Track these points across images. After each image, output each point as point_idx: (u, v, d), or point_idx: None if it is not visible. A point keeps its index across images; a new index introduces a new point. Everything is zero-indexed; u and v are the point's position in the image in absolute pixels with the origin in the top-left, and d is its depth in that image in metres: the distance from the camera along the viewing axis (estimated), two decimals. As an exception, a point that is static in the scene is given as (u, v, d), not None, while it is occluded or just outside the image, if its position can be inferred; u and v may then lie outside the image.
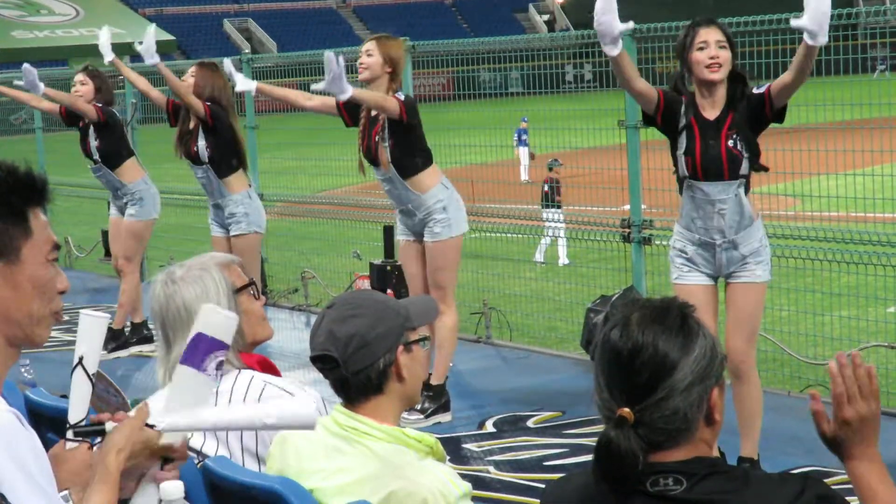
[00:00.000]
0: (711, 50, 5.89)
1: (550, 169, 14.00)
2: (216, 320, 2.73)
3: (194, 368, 2.70)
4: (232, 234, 8.97)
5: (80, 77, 9.79)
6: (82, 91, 9.72)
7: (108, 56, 9.50)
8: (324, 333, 3.14)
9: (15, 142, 18.37)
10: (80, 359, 2.90)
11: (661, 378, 2.41)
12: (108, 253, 10.94)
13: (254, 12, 72.04)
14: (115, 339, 9.79)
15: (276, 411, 2.69)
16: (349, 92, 7.11)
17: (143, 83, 9.74)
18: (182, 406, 2.70)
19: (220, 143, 8.78)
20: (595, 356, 2.52)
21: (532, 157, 19.30)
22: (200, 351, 2.70)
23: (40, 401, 3.90)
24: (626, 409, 2.41)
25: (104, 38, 9.53)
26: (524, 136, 19.94)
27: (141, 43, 8.93)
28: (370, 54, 7.51)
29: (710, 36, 5.91)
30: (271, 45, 66.75)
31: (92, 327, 2.91)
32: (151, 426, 2.63)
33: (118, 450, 2.57)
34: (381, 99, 7.36)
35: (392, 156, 7.47)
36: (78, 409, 2.94)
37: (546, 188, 13.56)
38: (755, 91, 5.95)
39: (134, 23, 65.91)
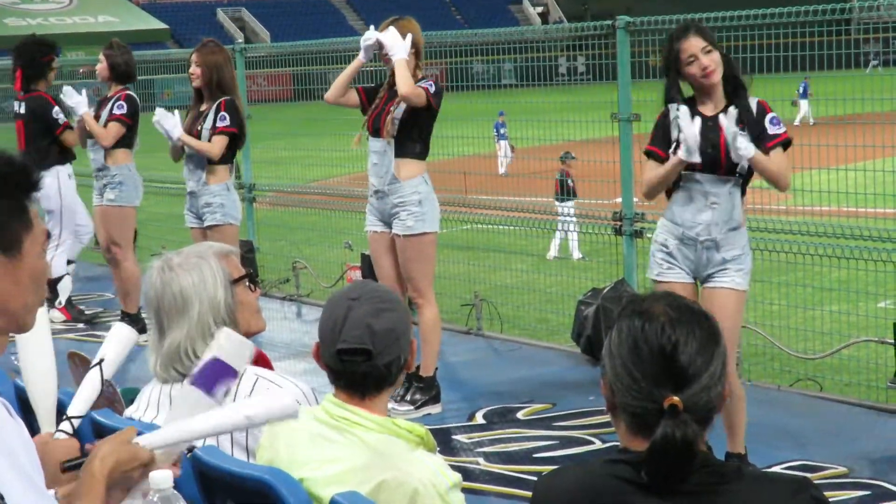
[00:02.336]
0: (702, 61, 5.92)
1: (563, 161, 13.92)
2: (233, 346, 2.74)
3: (203, 392, 2.70)
4: (206, 224, 8.80)
5: (100, 55, 9.73)
6: (98, 69, 9.69)
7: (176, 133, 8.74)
8: (360, 327, 3.13)
9: (6, 129, 18.31)
10: (101, 360, 2.93)
11: (706, 366, 2.45)
12: (97, 242, 10.93)
13: (247, 2, 71.98)
14: (135, 323, 9.76)
15: (257, 407, 2.69)
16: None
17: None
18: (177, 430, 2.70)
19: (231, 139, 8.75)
20: (621, 354, 2.50)
21: (512, 149, 19.30)
22: (214, 376, 2.71)
23: (30, 389, 3.89)
24: (676, 398, 2.42)
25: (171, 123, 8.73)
26: (503, 130, 19.95)
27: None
28: None
29: (694, 48, 5.93)
30: (265, 35, 66.71)
31: (123, 338, 2.96)
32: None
33: (102, 457, 2.57)
34: (414, 93, 7.38)
35: (398, 128, 7.45)
36: (80, 404, 2.97)
37: (560, 180, 13.52)
38: (770, 126, 5.98)
39: (127, 12, 65.88)
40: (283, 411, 2.69)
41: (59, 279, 10.62)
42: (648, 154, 6.18)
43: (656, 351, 2.46)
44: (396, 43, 7.35)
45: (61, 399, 3.22)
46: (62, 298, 10.71)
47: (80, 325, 10.58)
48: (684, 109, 5.86)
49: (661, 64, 6.16)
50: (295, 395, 2.71)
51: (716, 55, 5.94)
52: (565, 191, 13.01)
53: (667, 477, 2.42)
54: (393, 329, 3.15)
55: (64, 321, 10.65)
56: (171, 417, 2.75)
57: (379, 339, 3.12)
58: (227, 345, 2.74)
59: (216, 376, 2.71)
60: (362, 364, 3.13)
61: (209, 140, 8.65)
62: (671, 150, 6.00)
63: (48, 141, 10.33)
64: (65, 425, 2.99)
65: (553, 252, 13.75)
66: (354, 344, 3.12)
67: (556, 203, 12.47)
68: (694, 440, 2.40)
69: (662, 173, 6.03)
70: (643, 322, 2.50)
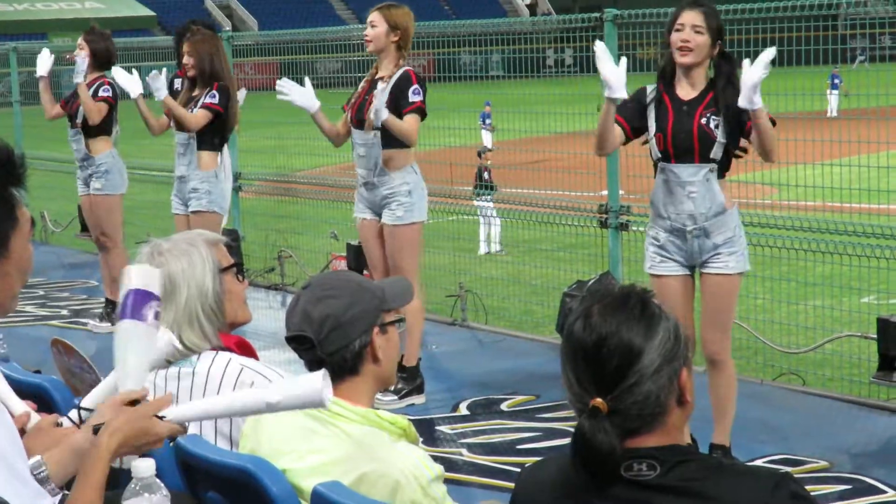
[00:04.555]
0: (685, 33, 5.89)
1: (480, 156, 13.78)
2: (141, 274, 2.81)
3: (136, 320, 2.77)
4: (191, 209, 8.80)
5: (79, 41, 9.70)
6: (77, 55, 9.66)
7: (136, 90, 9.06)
8: (299, 314, 3.14)
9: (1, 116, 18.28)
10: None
11: (630, 364, 2.42)
12: (84, 228, 10.89)
13: (235, -11, 71.72)
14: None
15: (280, 392, 2.71)
16: (385, 117, 7.31)
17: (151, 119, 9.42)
18: (133, 360, 2.78)
19: (216, 119, 8.73)
20: (560, 351, 2.53)
21: (493, 129, 19.24)
22: (137, 304, 2.78)
23: (13, 375, 3.89)
24: (599, 400, 2.42)
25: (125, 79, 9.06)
26: (488, 121, 19.91)
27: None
28: (374, 25, 7.49)
29: (688, 19, 5.90)
30: (252, 23, 66.49)
31: (163, 348, 2.99)
32: (161, 417, 2.66)
33: (112, 432, 2.57)
34: (406, 129, 7.39)
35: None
36: (96, 398, 3.01)
37: (484, 176, 13.33)
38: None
39: (114, -2, 65.57)
40: (309, 399, 2.71)
41: None
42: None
43: (579, 349, 2.46)
44: (381, 108, 7.31)
45: (40, 384, 3.22)
46: None
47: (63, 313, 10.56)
48: (601, 46, 5.83)
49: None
50: (322, 381, 2.71)
51: (702, 39, 5.91)
52: (484, 184, 12.78)
53: (587, 471, 2.43)
54: (333, 315, 3.11)
55: None
56: (117, 355, 2.78)
57: (317, 325, 3.10)
58: (134, 278, 2.81)
59: (140, 303, 2.78)
60: (307, 352, 3.13)
61: None
62: (652, 134, 6.01)
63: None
64: (73, 414, 3.00)
65: (484, 248, 13.60)
66: (294, 331, 3.14)
67: (474, 197, 12.28)
68: (601, 448, 2.39)
69: (599, 121, 5.99)
70: (576, 320, 2.50)
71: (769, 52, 5.64)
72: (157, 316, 2.80)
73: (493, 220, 12.52)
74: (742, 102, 5.65)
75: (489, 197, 11.88)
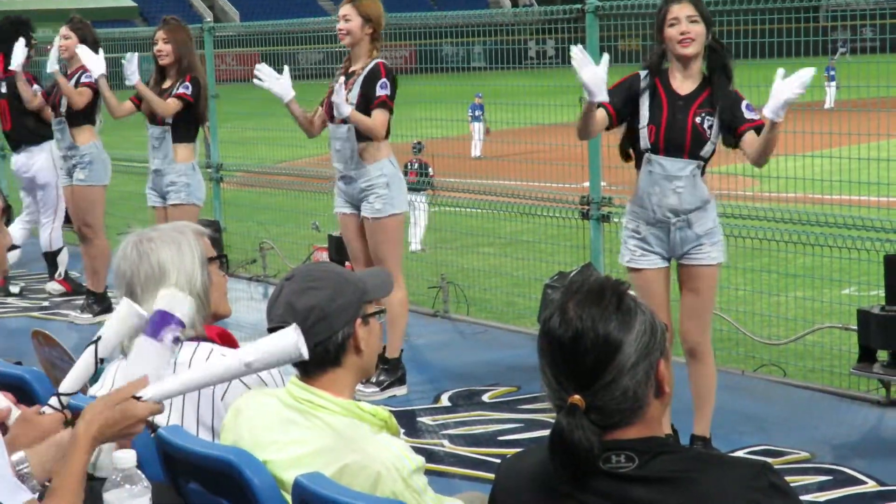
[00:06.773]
0: (682, 25, 5.91)
1: (418, 151, 13.67)
2: (174, 298, 2.89)
3: (152, 338, 2.83)
4: (170, 202, 8.81)
5: (63, 31, 9.65)
6: (66, 45, 9.60)
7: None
8: (283, 305, 3.14)
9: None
10: (97, 338, 3.07)
11: (607, 360, 2.42)
12: (68, 219, 10.87)
13: (217, -20, 71.52)
14: (100, 303, 9.76)
15: (256, 351, 2.74)
16: (347, 112, 7.32)
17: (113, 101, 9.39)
18: (140, 374, 2.79)
19: (187, 110, 8.73)
20: (538, 347, 2.53)
21: (487, 132, 19.23)
22: (159, 324, 2.86)
23: (-7, 367, 3.88)
24: (577, 397, 2.42)
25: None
26: (478, 112, 19.90)
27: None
28: (348, 19, 7.48)
29: (680, 12, 5.92)
30: (234, 14, 66.36)
31: (123, 316, 3.02)
32: (137, 398, 2.66)
33: (88, 420, 2.57)
34: (370, 125, 7.38)
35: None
36: (71, 381, 3.01)
37: (417, 171, 13.21)
38: (745, 111, 5.90)
39: (95, -12, 65.32)
40: (284, 354, 2.73)
41: (58, 251, 10.69)
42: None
43: (556, 345, 2.46)
44: (341, 103, 7.29)
45: (20, 375, 3.22)
46: (62, 270, 10.78)
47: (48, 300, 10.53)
48: (578, 51, 5.72)
49: (654, 29, 6.11)
50: (295, 334, 2.72)
51: (699, 28, 5.92)
52: (422, 180, 12.64)
53: (566, 467, 2.43)
54: (318, 307, 3.11)
55: (64, 293, 10.68)
56: (129, 370, 2.80)
57: (301, 317, 3.09)
58: (166, 298, 2.89)
59: (161, 324, 2.88)
60: None
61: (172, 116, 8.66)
62: (644, 125, 6.00)
63: (35, 117, 10.34)
64: (53, 401, 3.01)
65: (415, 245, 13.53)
66: (277, 322, 3.13)
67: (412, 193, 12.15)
68: (579, 445, 2.39)
69: (581, 116, 5.96)
70: (552, 315, 2.49)
71: (808, 72, 5.49)
72: (175, 340, 2.92)
73: (422, 216, 12.46)
74: (767, 113, 5.58)
75: (423, 194, 11.84)
